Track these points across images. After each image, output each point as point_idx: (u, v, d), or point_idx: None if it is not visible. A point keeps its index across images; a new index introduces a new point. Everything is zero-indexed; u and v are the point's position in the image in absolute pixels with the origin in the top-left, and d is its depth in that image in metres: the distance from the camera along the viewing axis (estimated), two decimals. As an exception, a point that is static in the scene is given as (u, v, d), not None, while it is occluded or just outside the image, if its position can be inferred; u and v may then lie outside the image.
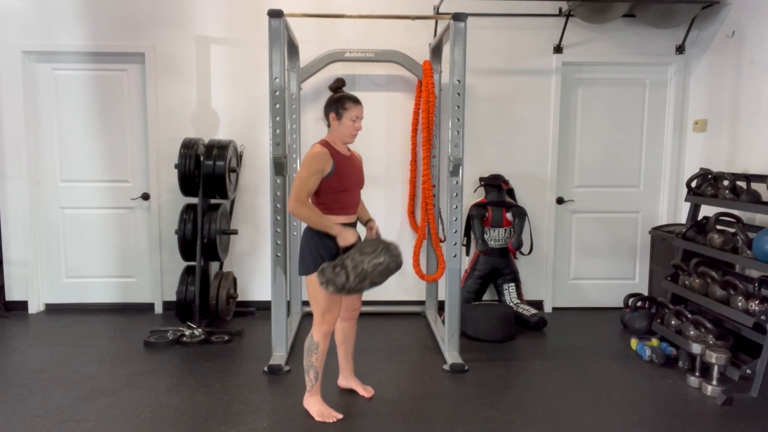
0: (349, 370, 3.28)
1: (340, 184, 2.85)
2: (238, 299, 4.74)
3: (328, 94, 4.66)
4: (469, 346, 4.04)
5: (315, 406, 2.96)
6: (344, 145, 2.95)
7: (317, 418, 2.91)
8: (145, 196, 4.78)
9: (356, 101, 2.91)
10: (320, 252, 2.83)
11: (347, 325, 3.17)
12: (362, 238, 2.99)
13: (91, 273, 4.84)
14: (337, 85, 2.99)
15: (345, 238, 2.80)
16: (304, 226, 2.95)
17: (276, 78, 3.49)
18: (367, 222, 3.10)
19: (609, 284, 5.03)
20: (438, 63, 4.50)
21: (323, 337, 2.90)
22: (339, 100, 2.90)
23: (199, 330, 4.11)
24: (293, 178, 4.42)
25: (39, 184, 4.76)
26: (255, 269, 4.85)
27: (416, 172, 4.71)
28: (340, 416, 2.93)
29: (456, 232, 3.70)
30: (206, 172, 4.25)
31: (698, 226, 3.99)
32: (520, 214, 4.61)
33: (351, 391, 3.26)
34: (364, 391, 3.22)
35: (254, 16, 4.58)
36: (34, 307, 4.78)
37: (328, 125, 2.93)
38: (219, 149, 4.29)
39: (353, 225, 2.97)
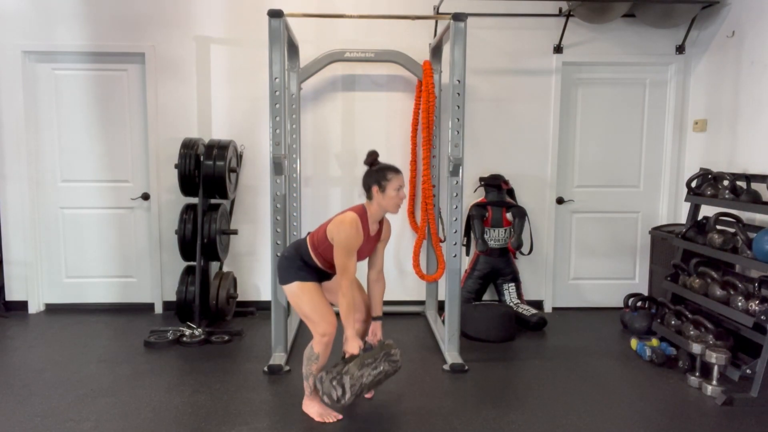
0: None
1: None
2: (238, 299, 4.74)
3: (329, 94, 4.76)
4: (469, 346, 4.04)
5: (315, 407, 2.96)
6: (379, 216, 2.92)
7: (317, 419, 2.92)
8: (145, 196, 4.78)
9: (397, 171, 2.90)
10: (303, 270, 2.90)
11: (359, 327, 3.16)
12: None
13: (91, 273, 4.84)
14: (372, 158, 2.94)
15: (352, 347, 2.83)
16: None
17: (276, 78, 3.49)
18: (374, 320, 3.08)
19: (609, 284, 5.03)
20: (438, 63, 4.50)
21: (323, 349, 2.89)
22: (380, 171, 2.87)
23: (199, 330, 4.11)
24: (293, 178, 4.45)
25: (39, 184, 4.75)
26: (255, 269, 4.85)
27: (416, 172, 4.71)
28: (340, 416, 2.93)
29: (456, 232, 3.70)
30: (206, 172, 4.25)
31: (698, 226, 3.98)
32: (520, 214, 4.61)
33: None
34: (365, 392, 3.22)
35: (254, 16, 4.58)
36: (34, 307, 4.78)
37: (369, 197, 2.89)
38: (219, 149, 4.29)
39: (332, 275, 2.99)
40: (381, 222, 2.99)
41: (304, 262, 2.92)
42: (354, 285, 2.90)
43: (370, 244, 2.96)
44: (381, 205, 2.87)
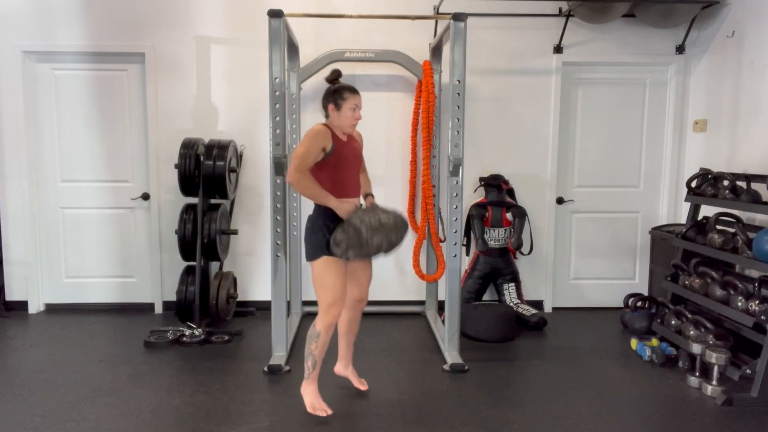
0: (348, 358, 3.29)
1: (340, 161, 2.89)
2: (238, 299, 4.74)
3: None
4: (469, 346, 4.04)
5: (309, 396, 2.98)
6: (338, 132, 2.96)
7: (308, 410, 2.94)
8: (145, 196, 4.78)
9: (354, 91, 2.95)
10: (326, 236, 2.86)
11: (352, 315, 3.17)
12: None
13: (91, 273, 4.84)
14: (334, 76, 3.01)
15: (344, 209, 2.83)
16: (305, 219, 2.97)
17: (276, 78, 3.49)
18: (366, 196, 3.14)
19: (609, 284, 5.02)
20: (438, 63, 4.50)
21: (326, 328, 2.90)
22: (337, 91, 2.93)
23: (199, 330, 4.11)
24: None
25: (39, 184, 4.75)
26: (255, 269, 4.85)
27: (416, 172, 4.71)
28: (330, 412, 2.94)
29: (456, 232, 3.70)
30: (206, 172, 4.25)
31: (698, 226, 3.98)
32: (520, 214, 4.61)
33: (350, 388, 3.26)
34: (359, 384, 3.25)
35: (254, 16, 4.58)
36: (34, 307, 4.78)
37: (326, 116, 2.97)
38: (219, 149, 4.29)
39: (351, 197, 3.00)
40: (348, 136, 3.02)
41: (320, 217, 2.88)
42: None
43: (351, 149, 2.96)
44: (336, 123, 2.92)
